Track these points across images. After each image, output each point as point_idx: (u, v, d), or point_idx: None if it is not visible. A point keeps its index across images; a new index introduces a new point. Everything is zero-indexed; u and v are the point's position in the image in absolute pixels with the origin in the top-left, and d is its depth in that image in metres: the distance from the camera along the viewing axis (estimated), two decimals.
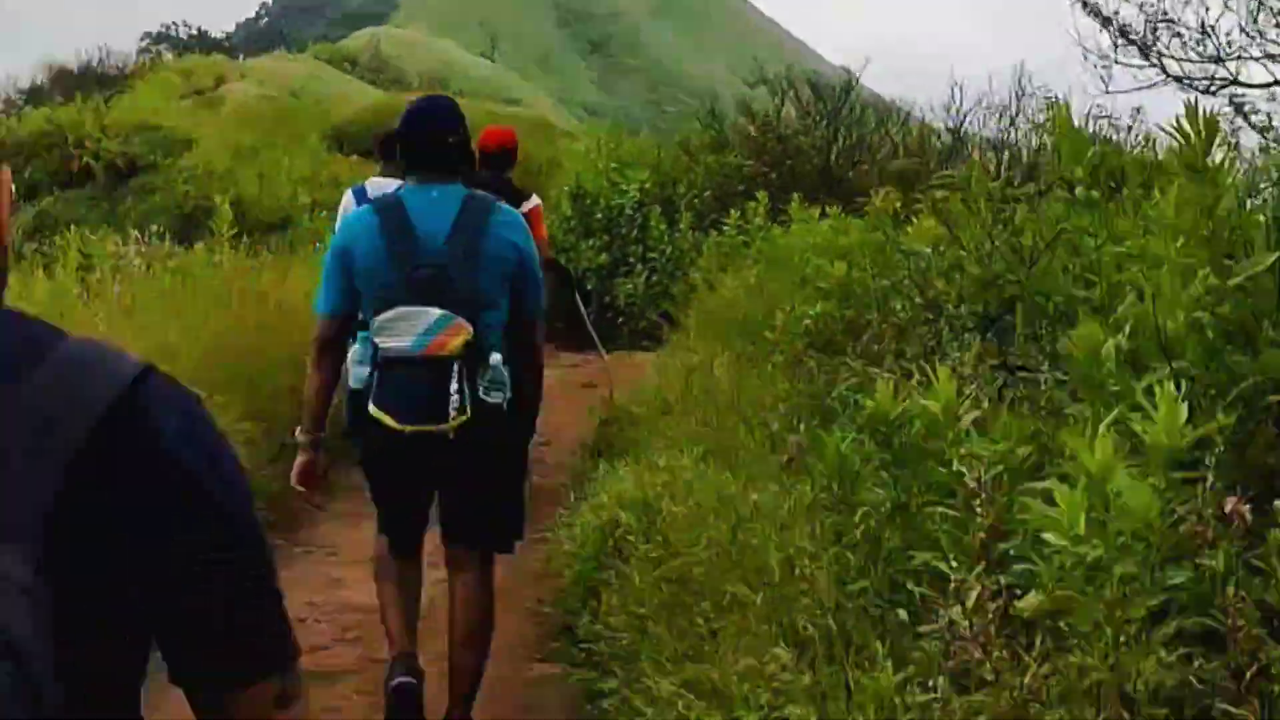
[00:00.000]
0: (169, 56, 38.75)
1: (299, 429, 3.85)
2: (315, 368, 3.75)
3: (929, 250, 4.79)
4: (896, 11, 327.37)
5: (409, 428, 3.52)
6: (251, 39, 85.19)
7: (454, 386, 3.48)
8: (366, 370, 3.62)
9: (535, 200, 6.83)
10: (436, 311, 3.49)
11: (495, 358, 3.58)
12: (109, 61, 29.25)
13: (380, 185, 6.56)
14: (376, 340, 3.55)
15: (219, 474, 1.19)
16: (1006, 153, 9.01)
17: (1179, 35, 7.63)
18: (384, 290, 3.55)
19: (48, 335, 1.16)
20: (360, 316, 3.69)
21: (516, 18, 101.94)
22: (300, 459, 3.83)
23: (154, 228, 11.42)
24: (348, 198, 6.56)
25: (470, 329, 3.51)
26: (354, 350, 3.77)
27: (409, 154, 3.81)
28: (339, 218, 6.72)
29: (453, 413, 3.49)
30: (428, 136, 3.76)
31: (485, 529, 3.86)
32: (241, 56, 40.24)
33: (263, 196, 16.52)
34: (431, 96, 4.36)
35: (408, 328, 3.50)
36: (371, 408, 3.56)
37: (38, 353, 1.13)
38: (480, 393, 3.55)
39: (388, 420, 3.52)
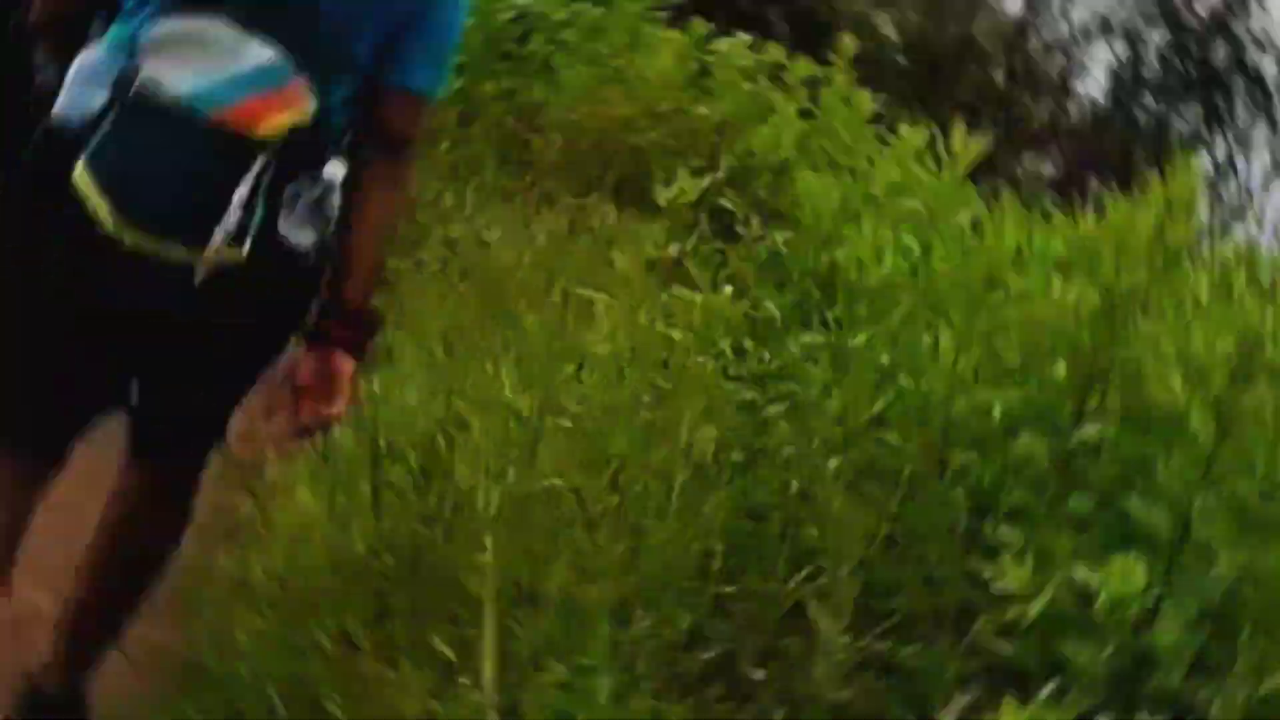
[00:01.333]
0: None
1: None
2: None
3: None
4: None
5: (135, 236, 1.92)
6: None
7: (241, 192, 1.92)
8: (98, 100, 1.94)
9: None
10: (266, 52, 1.91)
11: (332, 169, 2.04)
12: None
13: None
14: (140, 61, 1.92)
15: None
16: None
17: None
18: None
19: None
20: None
21: None
22: None
23: None
24: None
25: (312, 103, 1.96)
26: (86, 58, 2.00)
27: None
28: None
29: (220, 237, 1.92)
30: None
31: (200, 435, 2.28)
32: None
33: None
34: None
35: (206, 61, 1.90)
36: (80, 171, 1.92)
37: None
38: (282, 222, 1.99)
39: (100, 208, 1.91)
